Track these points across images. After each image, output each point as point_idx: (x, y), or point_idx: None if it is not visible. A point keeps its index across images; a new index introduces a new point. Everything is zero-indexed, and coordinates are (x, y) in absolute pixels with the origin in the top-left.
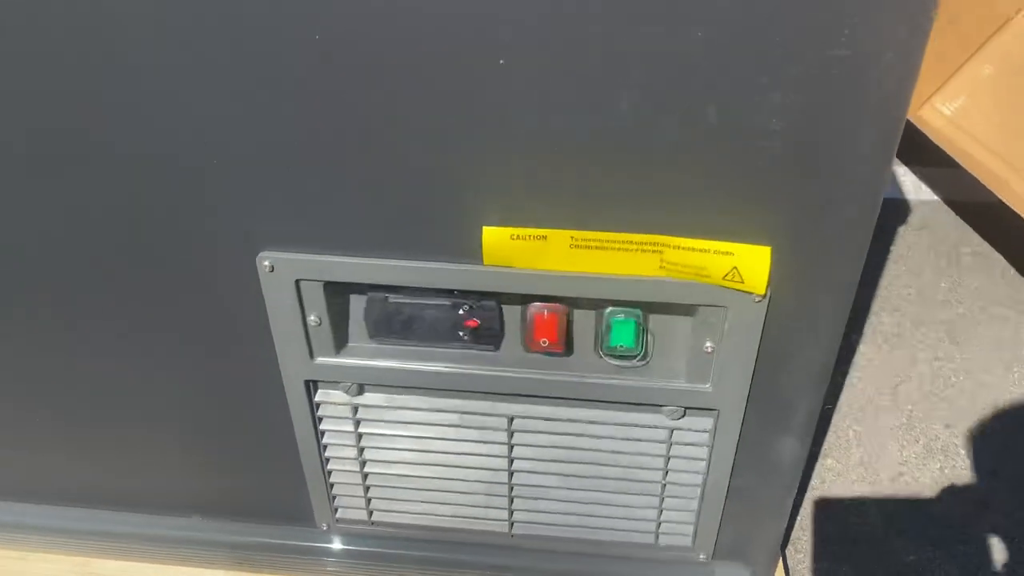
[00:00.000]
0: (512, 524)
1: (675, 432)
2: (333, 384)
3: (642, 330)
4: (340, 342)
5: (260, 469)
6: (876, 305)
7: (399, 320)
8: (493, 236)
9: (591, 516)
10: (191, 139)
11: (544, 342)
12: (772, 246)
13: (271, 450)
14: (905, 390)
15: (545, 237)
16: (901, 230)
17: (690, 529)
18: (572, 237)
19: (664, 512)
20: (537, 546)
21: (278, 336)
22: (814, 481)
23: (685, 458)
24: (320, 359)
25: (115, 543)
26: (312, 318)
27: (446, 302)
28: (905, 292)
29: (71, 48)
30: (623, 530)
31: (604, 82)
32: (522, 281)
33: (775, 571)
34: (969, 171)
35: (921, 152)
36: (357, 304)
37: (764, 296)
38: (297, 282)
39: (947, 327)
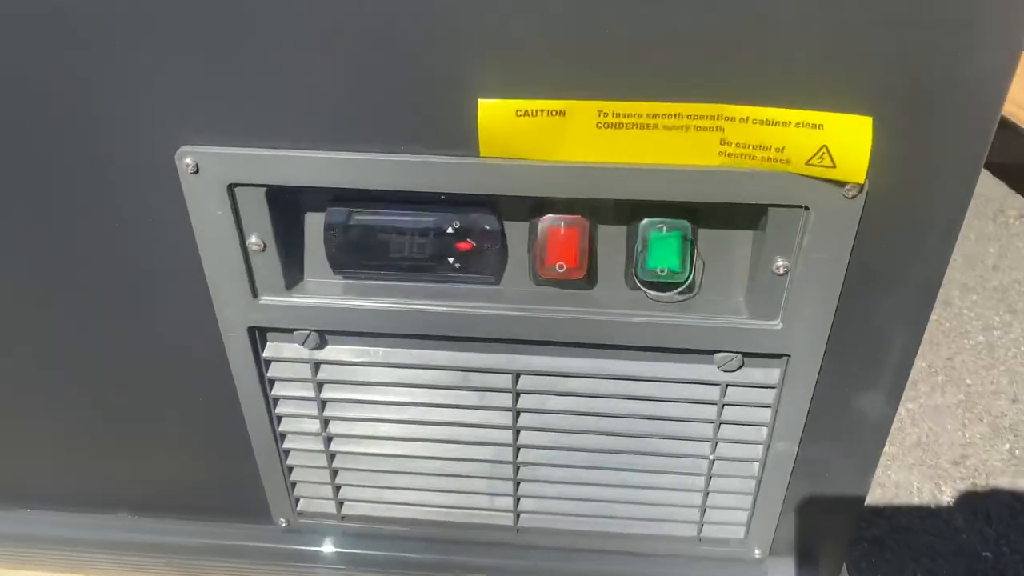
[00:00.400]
0: (518, 516)
1: (729, 389)
2: (286, 334)
3: (690, 249)
4: (293, 276)
5: (196, 450)
6: None
7: (368, 244)
8: (492, 113)
9: (617, 503)
10: None
11: (560, 266)
12: (874, 116)
13: (209, 424)
14: (961, 362)
15: (563, 112)
16: None
17: (743, 517)
18: (600, 111)
19: (711, 496)
20: (549, 543)
21: (209, 266)
22: None
23: (741, 423)
24: (266, 298)
25: (12, 548)
26: (253, 240)
27: (430, 217)
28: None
29: None
30: (658, 520)
31: None
32: (532, 179)
33: (841, 572)
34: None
35: None
36: (314, 224)
37: (861, 188)
38: (231, 188)
39: (1000, 294)
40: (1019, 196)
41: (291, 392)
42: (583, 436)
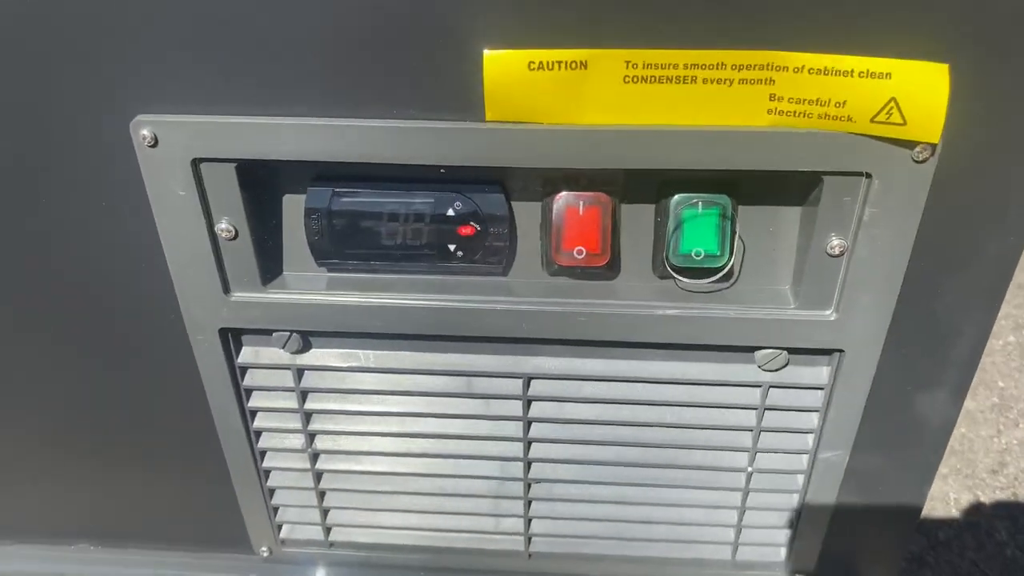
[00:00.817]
0: (529, 540)
1: (771, 391)
2: (263, 336)
3: (729, 228)
4: (269, 268)
5: (163, 471)
6: None
7: (356, 230)
8: (500, 66)
9: (640, 524)
10: None
11: (579, 252)
12: (950, 63)
13: (178, 441)
14: (991, 364)
15: (584, 64)
16: None
17: (784, 537)
18: (628, 62)
19: (748, 514)
20: (564, 569)
21: (172, 258)
22: None
23: (785, 430)
24: (239, 295)
25: None
26: (223, 226)
27: (427, 197)
28: None
29: None
30: (687, 541)
31: None
32: (546, 147)
33: None
34: None
35: None
36: (293, 207)
37: (934, 150)
38: (195, 164)
39: None
40: None
41: (271, 403)
42: (602, 448)
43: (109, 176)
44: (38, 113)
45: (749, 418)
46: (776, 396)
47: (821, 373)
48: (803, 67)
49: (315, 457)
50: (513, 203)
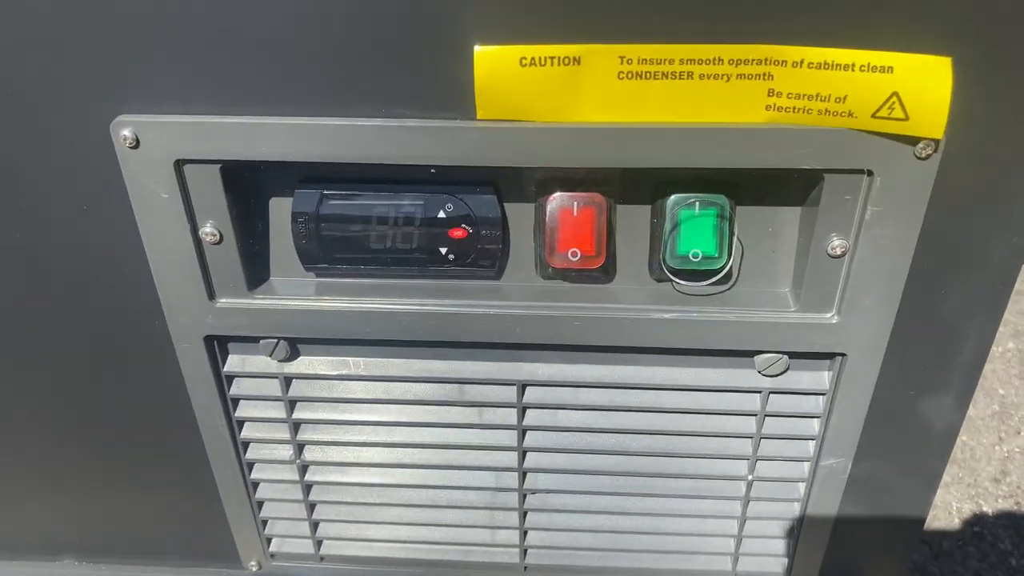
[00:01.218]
0: (525, 552)
1: (772, 397)
2: (250, 344)
3: (727, 229)
4: (256, 274)
5: (149, 483)
6: None
7: (345, 234)
8: (491, 62)
9: (638, 535)
10: None
11: (574, 254)
12: (953, 57)
13: (163, 453)
14: (991, 371)
15: (578, 59)
16: None
17: (785, 547)
18: (623, 58)
19: (748, 523)
20: None
21: (155, 263)
22: None
23: (785, 437)
24: (225, 301)
25: None
26: (207, 230)
27: (416, 199)
28: None
29: None
30: (686, 552)
31: None
32: (539, 146)
33: None
34: None
35: None
36: (280, 210)
37: (937, 146)
38: (178, 165)
39: None
40: None
41: (258, 413)
42: (599, 457)
43: (89, 179)
44: (14, 114)
45: (749, 425)
46: (776, 402)
47: (822, 378)
48: (802, 61)
49: (304, 468)
50: (506, 204)
